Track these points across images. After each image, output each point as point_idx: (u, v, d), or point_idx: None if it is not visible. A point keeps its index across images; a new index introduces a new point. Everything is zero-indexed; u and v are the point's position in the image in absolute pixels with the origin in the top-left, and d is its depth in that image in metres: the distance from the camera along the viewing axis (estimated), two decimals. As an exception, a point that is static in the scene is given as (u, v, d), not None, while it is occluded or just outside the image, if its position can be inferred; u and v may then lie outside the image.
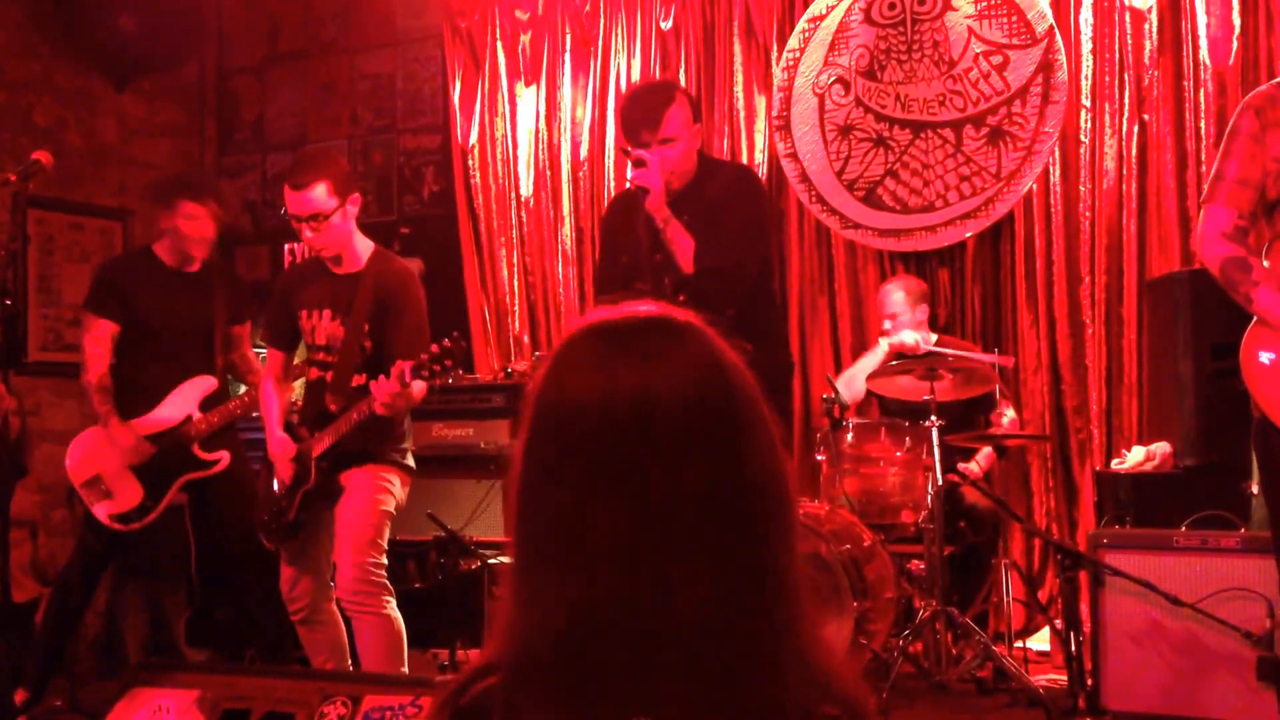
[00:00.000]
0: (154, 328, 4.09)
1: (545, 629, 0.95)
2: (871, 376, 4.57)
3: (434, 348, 3.14)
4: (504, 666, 0.98)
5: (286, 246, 6.35)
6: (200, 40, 6.67)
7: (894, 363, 4.51)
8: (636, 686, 0.92)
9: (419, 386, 3.27)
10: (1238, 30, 4.76)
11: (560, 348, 1.03)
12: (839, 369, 5.39)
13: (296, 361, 3.81)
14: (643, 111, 3.29)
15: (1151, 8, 4.93)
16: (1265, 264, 2.74)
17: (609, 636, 0.93)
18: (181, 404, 4.08)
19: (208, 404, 4.11)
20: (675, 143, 3.25)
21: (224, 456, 4.08)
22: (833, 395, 4.44)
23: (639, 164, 3.15)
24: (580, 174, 5.99)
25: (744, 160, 5.60)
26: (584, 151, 5.98)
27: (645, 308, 1.03)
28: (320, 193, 3.39)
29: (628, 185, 3.14)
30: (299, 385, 4.00)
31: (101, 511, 4.00)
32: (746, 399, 1.00)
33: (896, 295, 4.82)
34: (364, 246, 3.57)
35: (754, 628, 0.95)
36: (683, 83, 5.75)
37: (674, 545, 0.94)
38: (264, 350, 3.88)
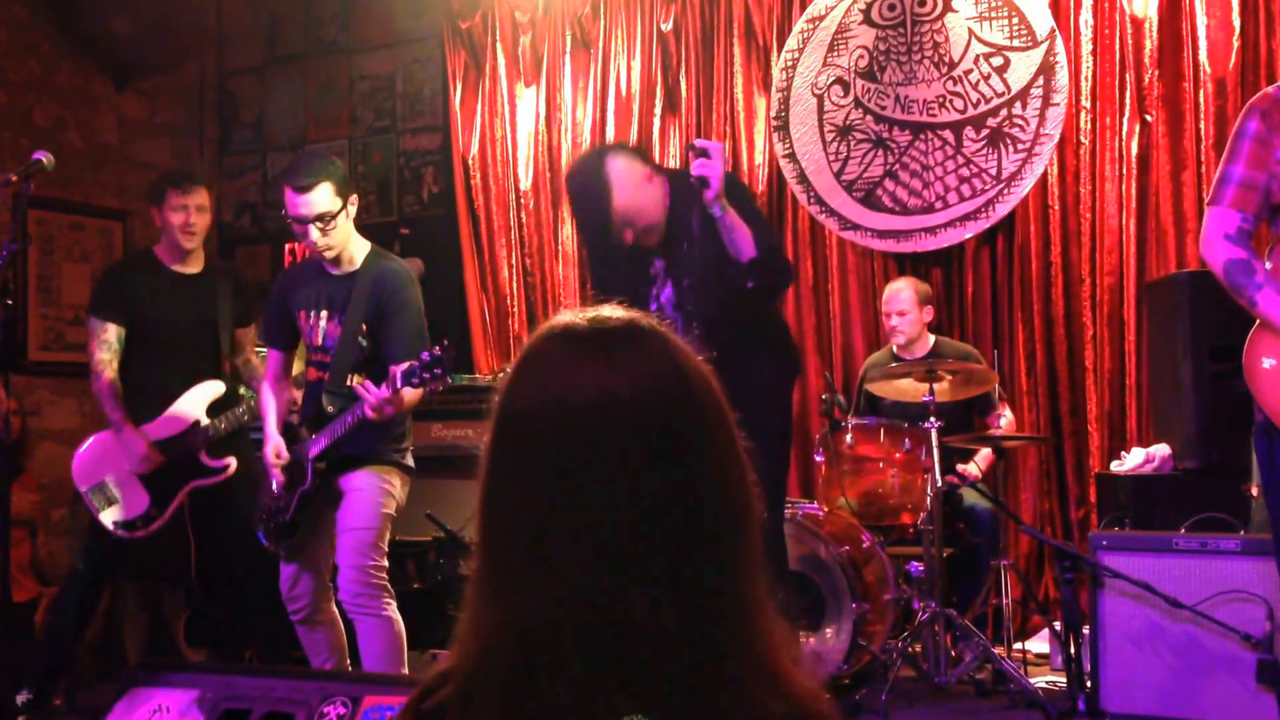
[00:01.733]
0: (158, 330, 4.04)
1: (502, 632, 0.95)
2: (872, 379, 4.58)
3: (424, 355, 3.13)
4: (461, 668, 0.98)
5: (287, 247, 6.34)
6: (198, 41, 6.67)
7: (893, 364, 4.51)
8: (590, 691, 0.92)
9: (411, 392, 3.24)
10: (1237, 32, 4.76)
11: (526, 350, 1.03)
12: (832, 370, 5.40)
13: (298, 370, 3.80)
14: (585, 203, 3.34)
15: (1152, 19, 4.93)
16: (1268, 266, 2.73)
17: (564, 640, 0.93)
18: (189, 409, 4.04)
19: (215, 409, 4.09)
20: (639, 210, 3.28)
21: (231, 463, 4.05)
22: (830, 396, 4.44)
23: (702, 154, 3.11)
24: (580, 175, 5.98)
25: (743, 160, 5.61)
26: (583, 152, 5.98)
27: (613, 312, 1.03)
28: (326, 193, 3.38)
29: (690, 176, 3.11)
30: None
31: (107, 518, 3.95)
32: (708, 407, 0.99)
33: (906, 293, 4.83)
34: (360, 246, 3.57)
35: (711, 634, 0.94)
36: (682, 84, 5.77)
37: (631, 551, 0.93)
38: (264, 350, 3.87)
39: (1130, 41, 4.98)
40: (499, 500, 0.99)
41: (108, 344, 3.99)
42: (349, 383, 3.42)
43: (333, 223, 3.40)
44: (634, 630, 0.93)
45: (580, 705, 0.92)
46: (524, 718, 0.93)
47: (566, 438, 0.96)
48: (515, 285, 6.13)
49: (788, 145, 5.57)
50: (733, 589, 0.97)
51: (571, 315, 1.03)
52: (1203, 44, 4.83)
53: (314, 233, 3.40)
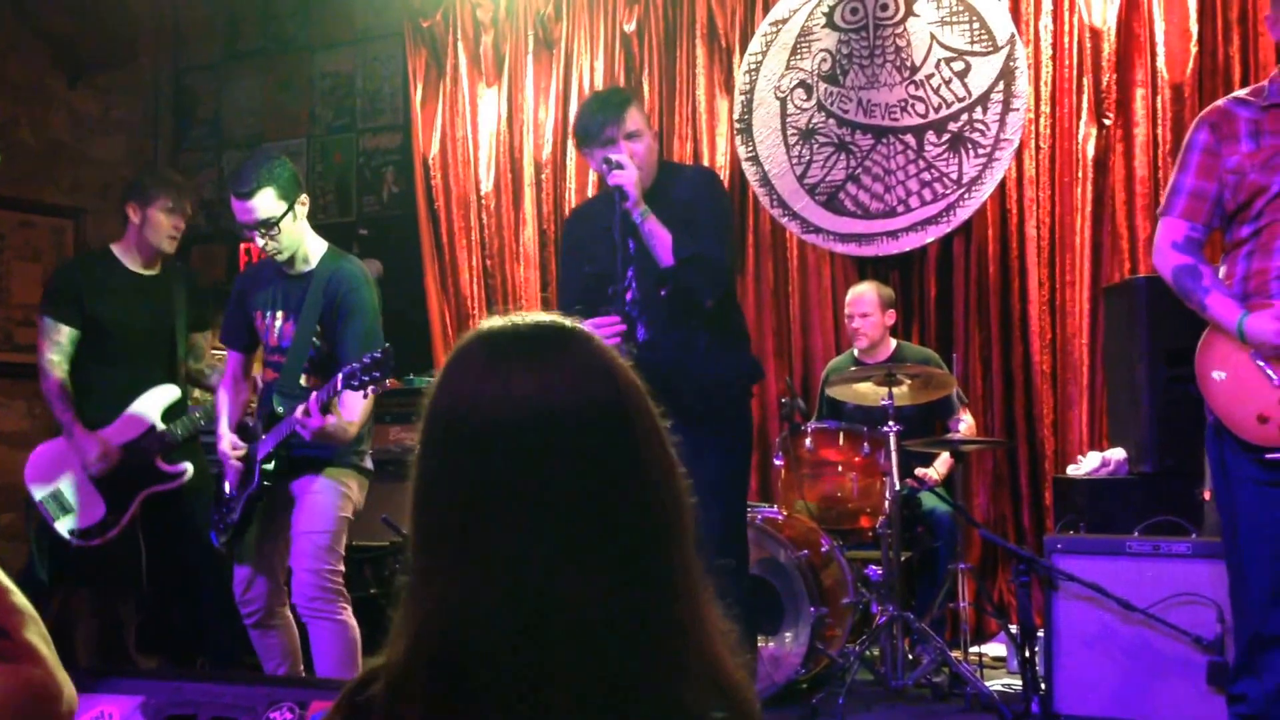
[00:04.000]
0: (113, 332, 3.95)
1: (432, 630, 0.95)
2: (833, 383, 4.58)
3: (366, 358, 3.09)
4: (391, 664, 0.98)
5: (243, 246, 6.27)
6: (153, 37, 6.58)
7: (853, 368, 4.51)
8: (519, 689, 0.92)
9: (353, 409, 3.26)
10: (1194, 39, 4.81)
11: (452, 356, 1.03)
12: (791, 374, 5.40)
13: (257, 371, 3.75)
14: (608, 110, 3.29)
15: (1110, 27, 4.97)
16: (1221, 271, 2.79)
17: (495, 639, 0.93)
18: (145, 413, 3.95)
19: (169, 414, 4.01)
20: (641, 138, 3.25)
21: (187, 468, 3.98)
22: (790, 400, 4.44)
23: (617, 166, 3.12)
24: (542, 176, 5.96)
25: (706, 164, 5.60)
26: (545, 154, 5.95)
27: (535, 316, 1.04)
28: (268, 199, 3.34)
29: (610, 188, 3.11)
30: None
31: (62, 527, 3.87)
32: (637, 404, 1.01)
33: (869, 295, 4.84)
34: (316, 246, 3.52)
35: (645, 632, 0.95)
36: (645, 85, 5.77)
37: (565, 549, 0.94)
38: (222, 352, 3.82)
39: (1089, 46, 5.02)
40: (429, 501, 1.00)
41: (59, 345, 3.91)
42: (302, 384, 3.38)
43: (276, 228, 3.36)
44: (566, 630, 0.93)
45: (508, 703, 0.91)
46: (454, 711, 0.93)
47: (494, 442, 0.96)
48: (475, 287, 6.09)
49: (751, 148, 5.57)
50: (666, 588, 0.97)
51: (498, 319, 1.04)
52: (1160, 50, 4.86)
53: (259, 239, 3.37)
